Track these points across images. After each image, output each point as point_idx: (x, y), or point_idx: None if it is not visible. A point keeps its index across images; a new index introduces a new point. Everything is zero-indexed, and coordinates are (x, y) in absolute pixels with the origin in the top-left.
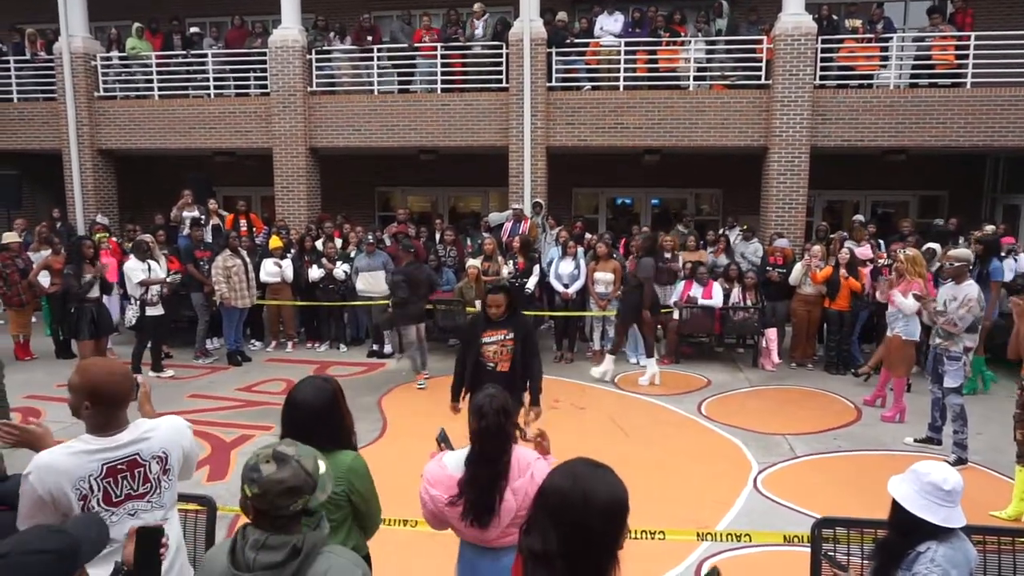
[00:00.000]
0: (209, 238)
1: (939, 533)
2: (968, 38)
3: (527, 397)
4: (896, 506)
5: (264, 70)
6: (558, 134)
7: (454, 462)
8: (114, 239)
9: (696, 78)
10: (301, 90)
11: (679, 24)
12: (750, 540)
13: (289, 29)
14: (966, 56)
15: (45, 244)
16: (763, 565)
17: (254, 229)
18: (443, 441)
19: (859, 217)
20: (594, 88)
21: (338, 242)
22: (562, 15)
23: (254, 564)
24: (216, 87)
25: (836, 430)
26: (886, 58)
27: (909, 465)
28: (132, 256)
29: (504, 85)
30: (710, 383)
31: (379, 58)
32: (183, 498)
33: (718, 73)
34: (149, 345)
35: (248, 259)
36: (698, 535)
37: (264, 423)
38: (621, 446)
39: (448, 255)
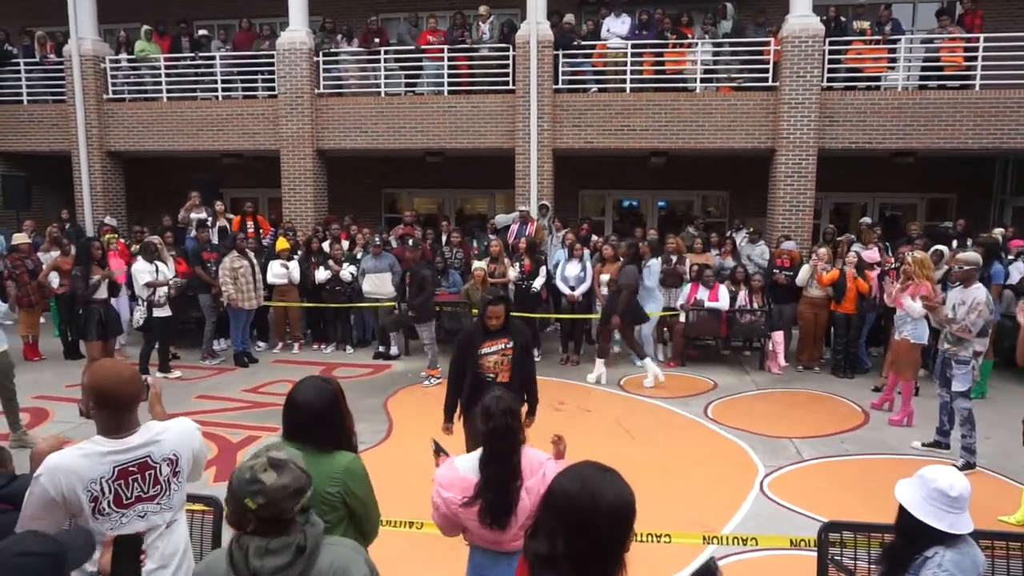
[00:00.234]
0: (216, 240)
1: (946, 538)
2: (977, 40)
3: (524, 408)
4: (903, 511)
5: (272, 72)
6: (565, 136)
7: (465, 464)
8: (122, 240)
9: (703, 80)
10: (308, 92)
11: (686, 26)
12: (756, 544)
13: (297, 31)
14: (975, 58)
15: (55, 245)
16: (769, 569)
17: (261, 231)
18: (440, 451)
19: (866, 220)
20: (601, 90)
21: (345, 244)
22: (569, 17)
23: (262, 570)
24: (224, 89)
25: (843, 433)
26: (894, 60)
27: (917, 469)
28: (140, 258)
29: (511, 87)
30: (716, 386)
31: (386, 60)
32: (190, 499)
33: (725, 75)
34: (156, 346)
35: (255, 261)
36: (704, 538)
37: (270, 424)
38: (627, 448)
39: (454, 257)
